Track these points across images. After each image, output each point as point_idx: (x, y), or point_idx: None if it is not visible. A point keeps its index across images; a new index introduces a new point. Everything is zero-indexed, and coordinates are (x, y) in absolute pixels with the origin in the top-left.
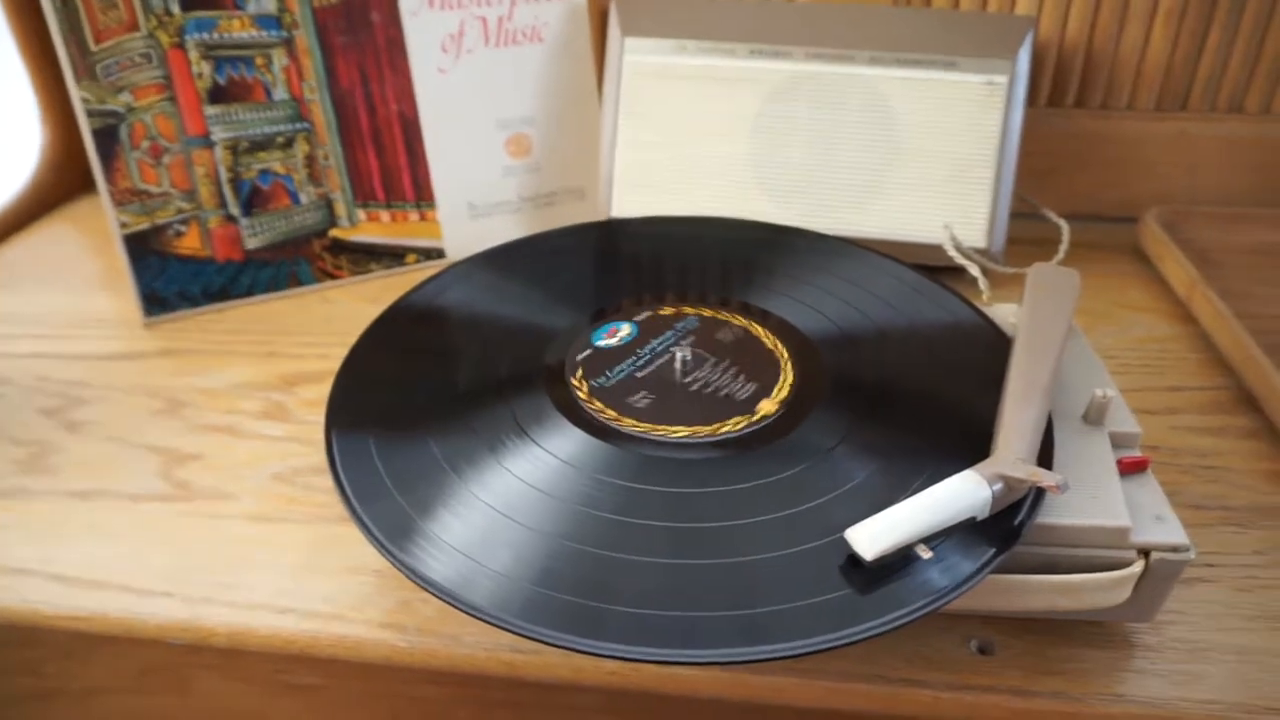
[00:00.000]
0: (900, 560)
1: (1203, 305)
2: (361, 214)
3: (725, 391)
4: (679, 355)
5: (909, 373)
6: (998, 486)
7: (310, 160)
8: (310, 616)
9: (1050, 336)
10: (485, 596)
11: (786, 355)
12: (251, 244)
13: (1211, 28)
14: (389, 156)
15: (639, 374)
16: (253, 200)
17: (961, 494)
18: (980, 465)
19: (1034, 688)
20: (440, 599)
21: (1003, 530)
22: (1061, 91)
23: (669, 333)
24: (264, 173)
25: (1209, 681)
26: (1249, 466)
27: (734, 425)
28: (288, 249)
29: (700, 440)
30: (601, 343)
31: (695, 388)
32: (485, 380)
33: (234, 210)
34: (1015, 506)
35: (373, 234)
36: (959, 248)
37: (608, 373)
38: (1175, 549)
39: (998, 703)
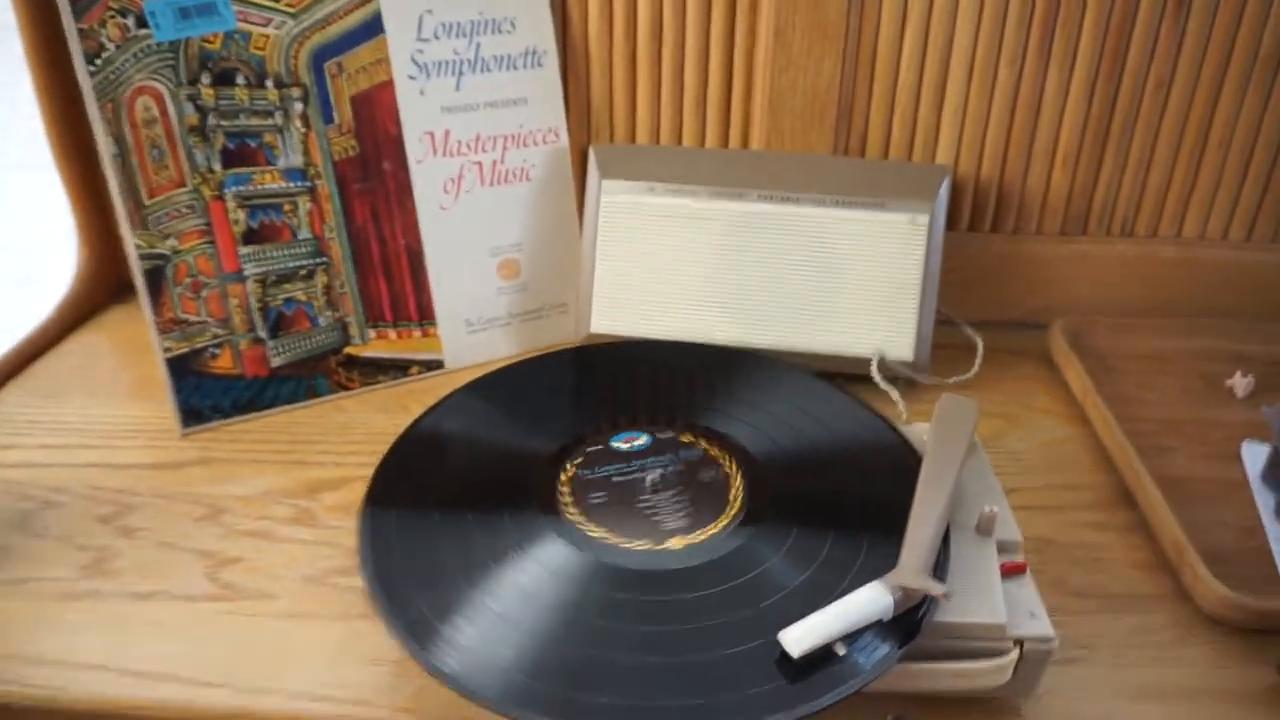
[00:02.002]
0: (823, 655)
1: (1094, 410)
2: (372, 333)
3: (687, 508)
4: (649, 477)
5: (839, 490)
6: (898, 594)
7: (328, 289)
8: (343, 703)
9: (949, 463)
10: (489, 687)
11: (739, 477)
12: (276, 362)
13: (1103, 167)
14: (396, 283)
15: (615, 494)
16: (278, 324)
17: (870, 601)
18: (885, 577)
19: None
20: (452, 690)
21: (905, 628)
22: (980, 218)
23: (639, 458)
24: (288, 300)
25: None
26: (1125, 557)
27: (692, 541)
28: (307, 365)
29: (667, 552)
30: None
31: (662, 504)
32: (486, 498)
33: (262, 333)
34: (915, 608)
35: (381, 350)
36: (885, 372)
37: (589, 494)
38: (1042, 640)
39: None
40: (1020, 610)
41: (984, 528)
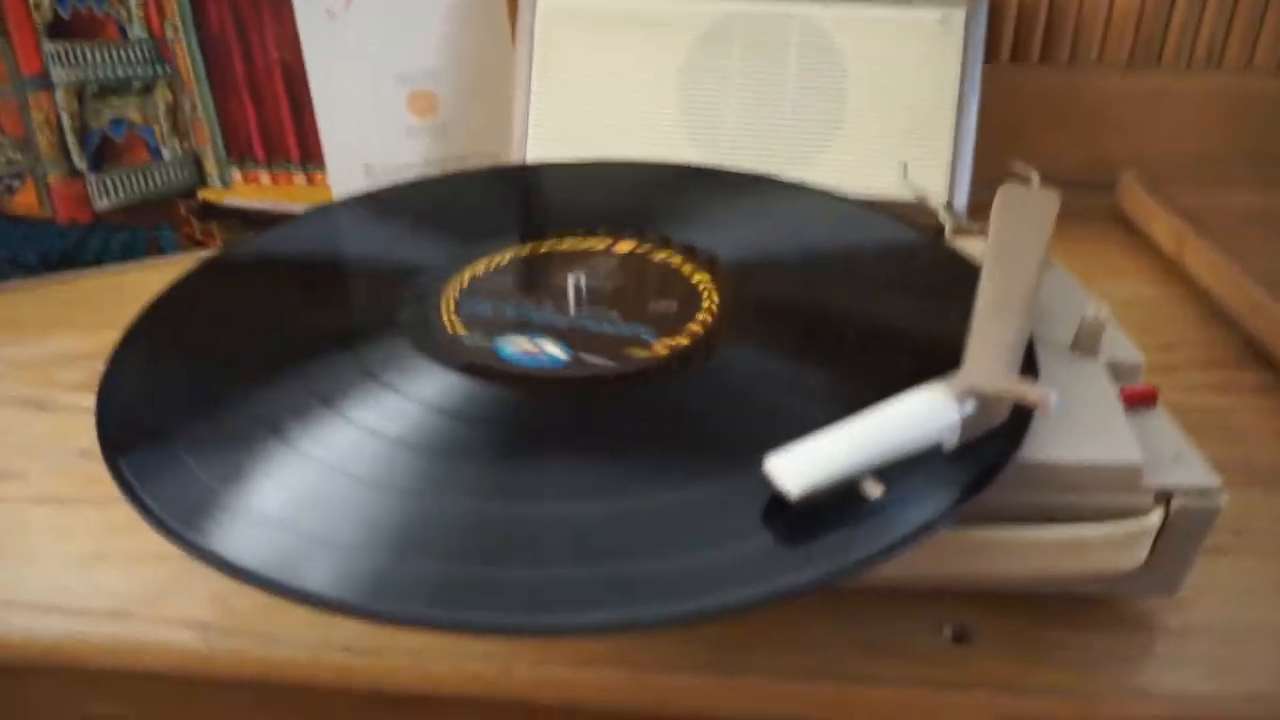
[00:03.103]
0: (841, 500)
1: (1196, 259)
2: (236, 174)
3: (630, 320)
4: (573, 281)
5: (855, 304)
6: (969, 406)
7: (174, 110)
8: (86, 616)
9: (1027, 252)
10: (317, 575)
11: (711, 286)
12: (102, 204)
13: None
14: (269, 110)
15: (526, 304)
16: (103, 153)
17: (923, 414)
18: (947, 379)
19: (1028, 682)
20: (246, 582)
21: (977, 464)
22: (1026, 44)
23: (569, 264)
24: (116, 122)
25: (1250, 671)
26: (1266, 424)
27: (636, 354)
28: (147, 212)
29: (593, 372)
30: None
31: (593, 318)
32: (332, 324)
33: (80, 164)
34: (994, 435)
35: (250, 197)
36: (916, 187)
37: (487, 303)
38: (1203, 492)
39: (982, 702)
40: (1158, 452)
41: (1086, 341)
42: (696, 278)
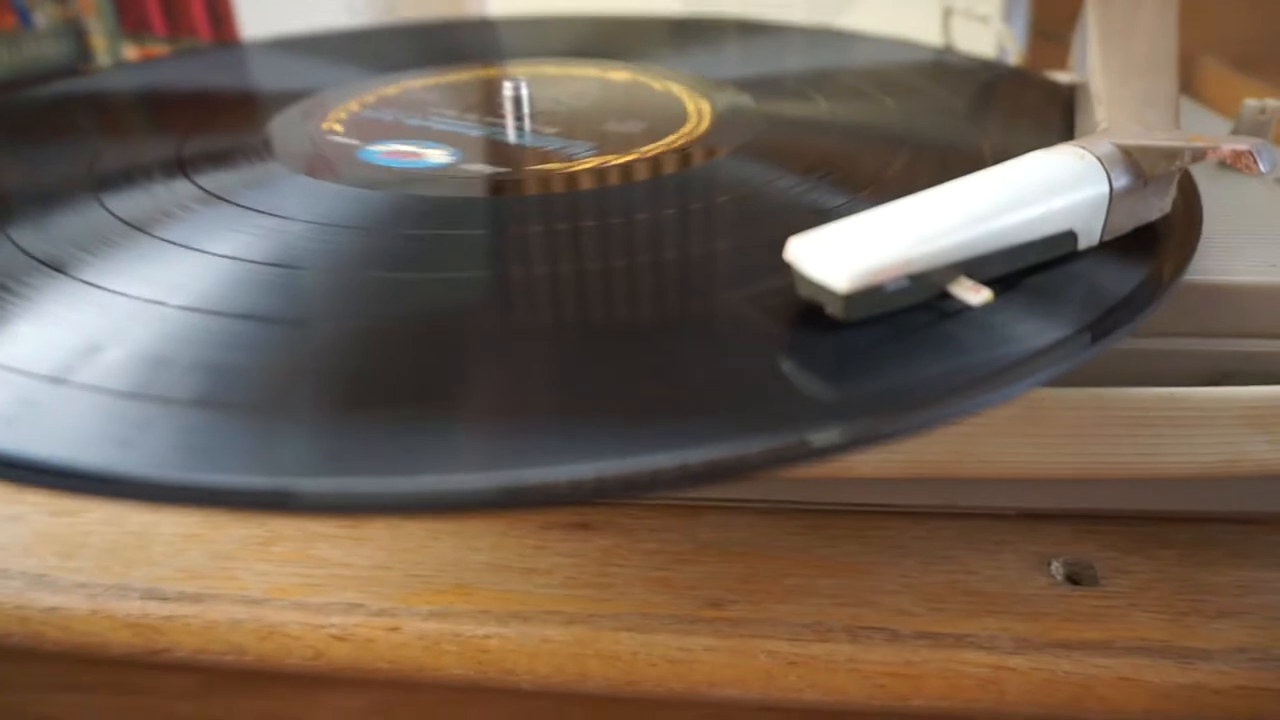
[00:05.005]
0: (913, 309)
1: None
2: (131, 50)
3: (575, 138)
4: (509, 87)
5: (912, 130)
6: (1122, 175)
7: None
8: None
9: (1154, 16)
10: (101, 449)
11: (707, 109)
12: None
13: None
14: None
15: (438, 115)
16: None
17: (1052, 180)
18: (1084, 139)
19: (1192, 644)
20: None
21: (1125, 276)
22: None
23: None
24: None
25: None
26: None
27: (548, 167)
28: (17, 90)
29: (561, 174)
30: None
31: (526, 134)
32: (166, 149)
33: None
34: (1147, 238)
35: None
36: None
37: (386, 113)
38: None
39: (1126, 674)
40: None
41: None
42: (690, 102)
